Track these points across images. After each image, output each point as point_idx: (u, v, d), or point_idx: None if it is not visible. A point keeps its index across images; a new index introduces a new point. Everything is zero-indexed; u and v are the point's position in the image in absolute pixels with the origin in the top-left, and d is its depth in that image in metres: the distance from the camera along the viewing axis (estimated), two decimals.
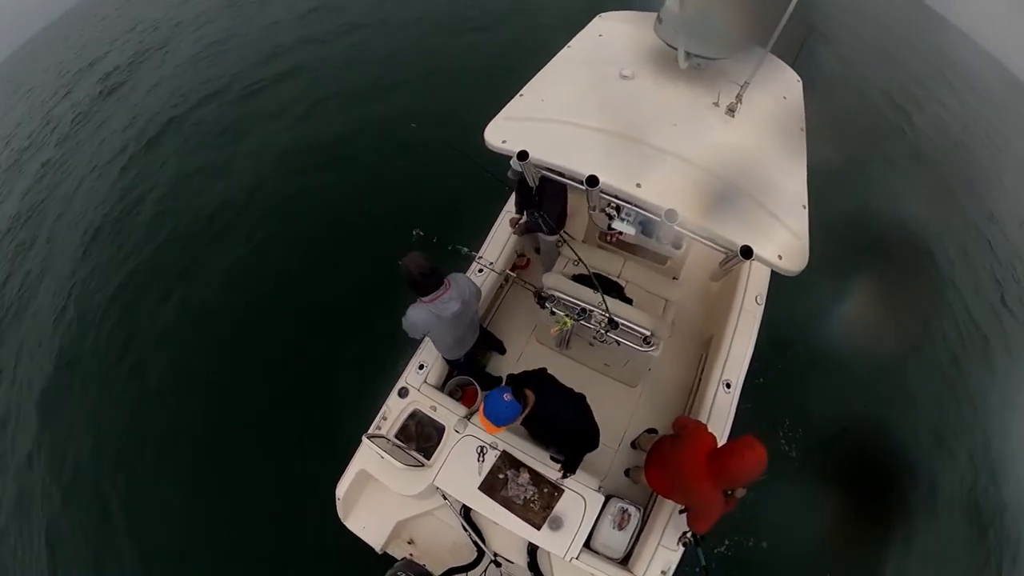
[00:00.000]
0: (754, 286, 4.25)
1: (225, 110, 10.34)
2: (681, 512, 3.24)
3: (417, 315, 3.30)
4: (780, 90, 3.90)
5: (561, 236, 4.06)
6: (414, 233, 3.55)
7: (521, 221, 4.34)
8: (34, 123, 12.75)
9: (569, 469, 3.29)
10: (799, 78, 4.13)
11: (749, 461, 2.53)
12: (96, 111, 11.97)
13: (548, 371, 3.30)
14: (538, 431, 3.26)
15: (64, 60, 15.79)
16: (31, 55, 18.77)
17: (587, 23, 4.13)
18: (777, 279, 4.12)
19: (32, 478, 5.69)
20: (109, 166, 9.85)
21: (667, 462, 3.17)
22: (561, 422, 3.04)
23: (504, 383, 3.18)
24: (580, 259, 3.70)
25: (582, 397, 3.24)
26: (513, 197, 4.50)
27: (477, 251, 4.24)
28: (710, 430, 3.23)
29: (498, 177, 4.28)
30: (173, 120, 10.37)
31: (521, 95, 3.45)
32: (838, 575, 4.79)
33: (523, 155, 3.00)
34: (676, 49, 3.41)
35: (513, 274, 4.39)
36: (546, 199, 3.90)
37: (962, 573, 5.14)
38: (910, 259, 7.41)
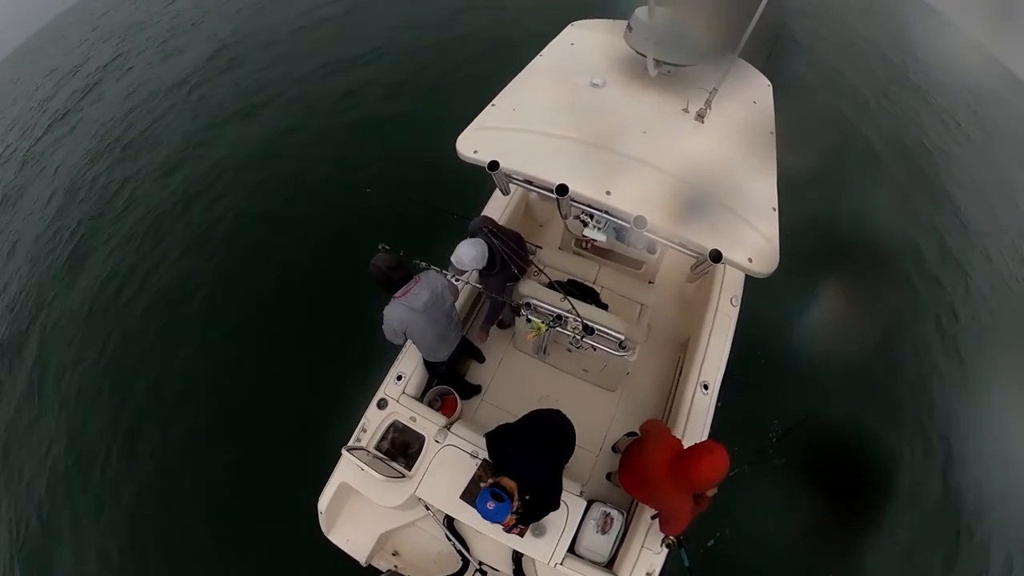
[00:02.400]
0: (729, 288, 4.31)
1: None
2: (653, 518, 3.27)
3: (392, 312, 3.34)
4: (750, 95, 3.96)
5: (534, 262, 4.06)
6: (380, 247, 3.54)
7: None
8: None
9: (523, 522, 3.02)
10: (769, 82, 4.19)
11: (708, 465, 2.52)
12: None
13: (505, 424, 3.15)
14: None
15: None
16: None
17: (559, 32, 4.18)
18: (752, 281, 4.18)
19: None
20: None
21: (635, 467, 3.17)
22: (528, 474, 2.86)
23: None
24: (544, 273, 3.77)
25: (556, 415, 3.21)
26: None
27: (446, 269, 4.23)
28: (685, 435, 3.26)
29: (462, 215, 4.25)
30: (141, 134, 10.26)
31: (493, 104, 3.48)
32: (818, 568, 4.86)
33: (494, 165, 3.02)
34: (646, 57, 3.46)
35: (485, 291, 4.41)
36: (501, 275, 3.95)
37: (935, 560, 5.25)
38: (879, 259, 7.53)
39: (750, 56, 3.88)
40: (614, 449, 4.26)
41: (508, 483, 2.72)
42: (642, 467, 3.01)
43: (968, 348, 6.99)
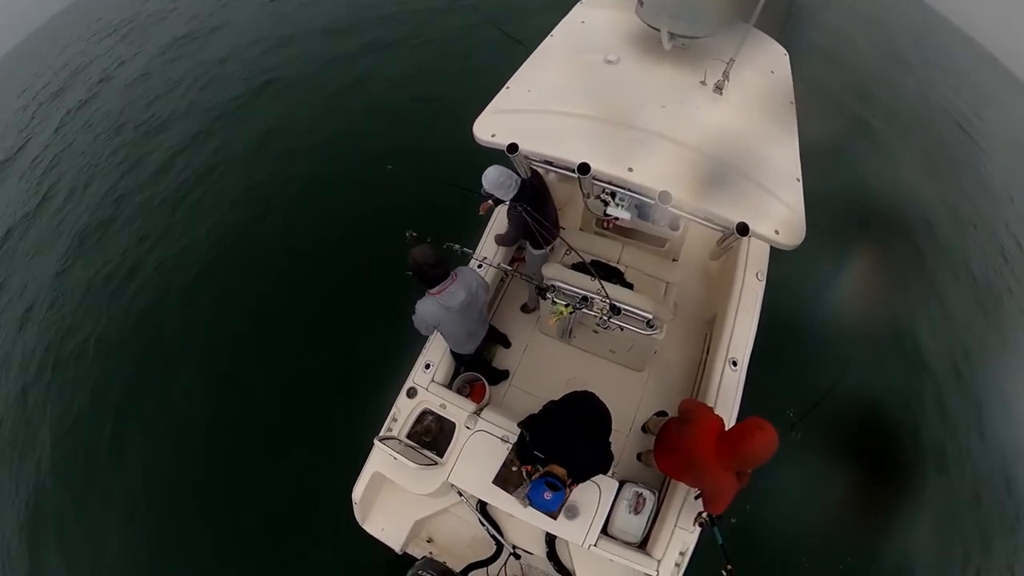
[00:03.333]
0: (754, 262, 4.23)
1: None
2: (696, 498, 3.25)
3: (425, 308, 3.31)
4: (767, 64, 3.89)
5: (561, 239, 3.97)
6: (408, 235, 3.54)
7: (504, 233, 4.24)
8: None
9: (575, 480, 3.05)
10: (785, 51, 4.12)
11: (760, 443, 2.49)
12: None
13: (536, 414, 3.13)
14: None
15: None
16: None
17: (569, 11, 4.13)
18: (777, 254, 4.11)
19: None
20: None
21: (676, 447, 3.14)
22: (579, 458, 2.85)
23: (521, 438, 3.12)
24: (574, 250, 3.69)
25: (590, 397, 3.18)
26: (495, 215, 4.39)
27: (473, 249, 4.23)
28: (716, 412, 3.23)
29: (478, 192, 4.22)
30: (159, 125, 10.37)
31: (507, 87, 3.46)
32: (848, 542, 4.82)
33: (513, 148, 3.00)
34: (659, 30, 3.40)
35: (512, 268, 4.39)
36: (539, 206, 3.76)
37: (968, 537, 5.17)
38: (905, 227, 7.40)
39: (764, 25, 3.80)
40: (644, 429, 4.25)
41: (559, 470, 2.70)
42: (685, 447, 2.98)
43: (1003, 316, 6.83)
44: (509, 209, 3.73)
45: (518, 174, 3.50)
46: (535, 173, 3.67)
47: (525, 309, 4.88)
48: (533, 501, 2.65)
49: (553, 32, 3.93)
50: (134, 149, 9.95)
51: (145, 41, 14.05)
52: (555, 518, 2.86)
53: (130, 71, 12.79)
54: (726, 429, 2.85)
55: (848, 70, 10.30)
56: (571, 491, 2.92)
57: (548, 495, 2.59)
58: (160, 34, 14.09)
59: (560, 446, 2.79)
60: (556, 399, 3.19)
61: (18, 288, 7.95)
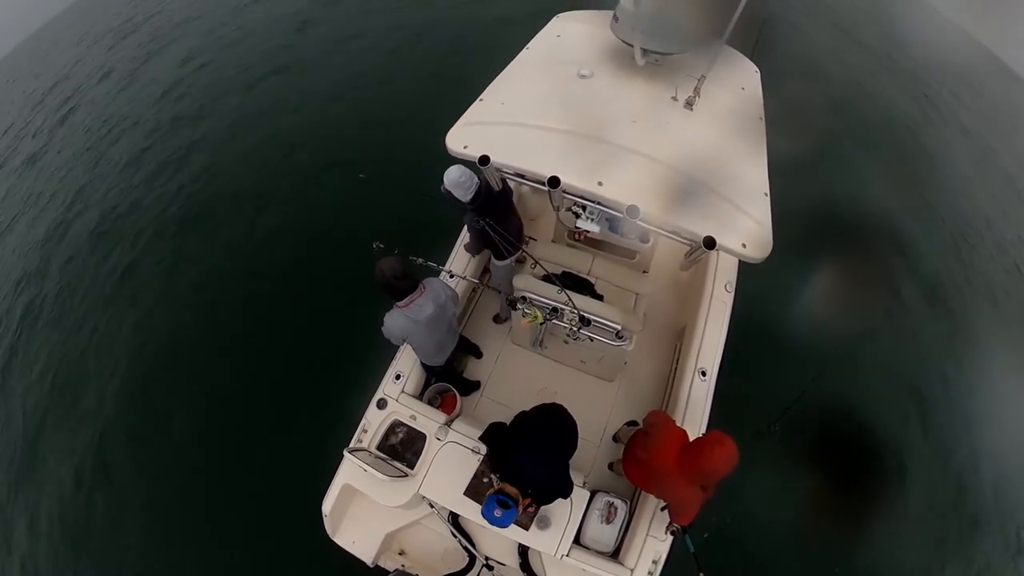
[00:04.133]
0: (723, 274, 4.31)
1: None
2: (662, 509, 3.28)
3: (393, 321, 3.28)
4: (738, 81, 3.97)
5: (523, 252, 4.00)
6: (375, 246, 3.51)
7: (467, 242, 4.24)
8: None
9: (537, 503, 3.05)
10: (757, 68, 4.21)
11: (719, 457, 2.50)
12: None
13: (502, 423, 3.14)
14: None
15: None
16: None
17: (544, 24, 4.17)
18: (746, 266, 4.18)
19: None
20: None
21: (641, 459, 3.17)
22: (534, 481, 2.83)
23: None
24: (538, 262, 3.71)
25: (558, 411, 3.16)
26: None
27: (443, 264, 4.22)
28: (684, 422, 3.26)
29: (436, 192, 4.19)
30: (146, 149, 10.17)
31: (481, 99, 3.47)
32: (822, 548, 4.90)
33: (484, 160, 3.01)
34: (633, 46, 3.46)
35: (482, 283, 4.40)
36: (499, 216, 3.77)
37: (940, 535, 5.30)
38: (872, 239, 7.59)
39: (737, 43, 3.90)
40: (615, 439, 4.28)
41: (511, 490, 2.71)
42: (649, 460, 3.00)
43: (965, 320, 7.08)
44: (469, 220, 3.74)
45: (489, 184, 3.51)
46: (504, 185, 3.69)
47: (498, 320, 4.89)
48: (484, 516, 2.68)
49: (528, 45, 3.96)
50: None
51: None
52: (507, 525, 2.80)
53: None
54: (689, 441, 2.87)
55: (820, 85, 10.51)
56: (529, 509, 2.97)
57: (498, 512, 2.62)
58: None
59: (513, 469, 2.79)
60: (527, 410, 3.19)
61: None
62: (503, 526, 2.71)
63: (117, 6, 16.69)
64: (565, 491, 3.01)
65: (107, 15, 16.57)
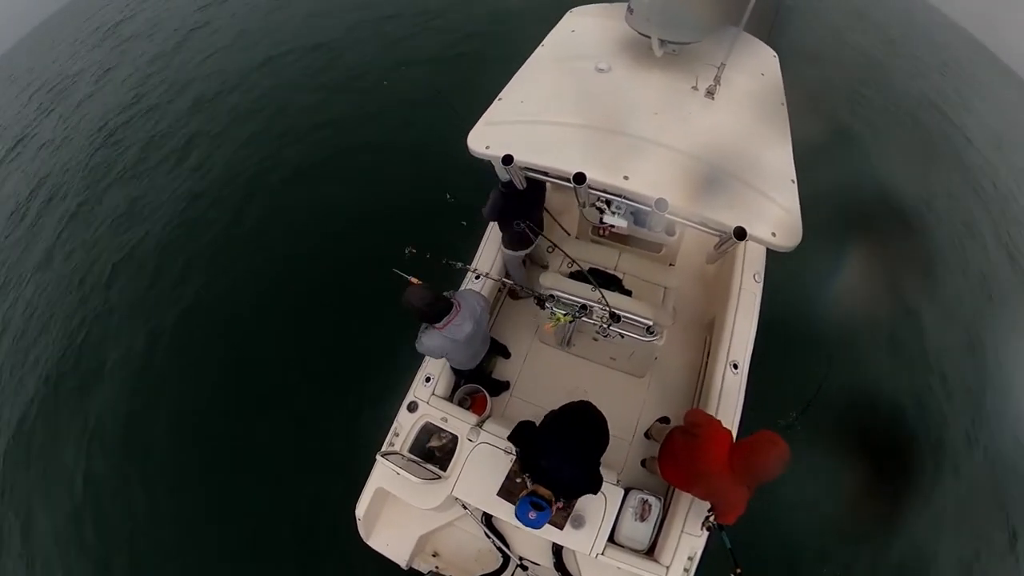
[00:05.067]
0: (751, 264, 4.24)
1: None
2: (709, 512, 3.23)
3: (432, 341, 3.25)
4: (757, 67, 3.91)
5: (546, 238, 3.99)
6: (407, 251, 3.52)
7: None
8: None
9: (568, 499, 3.11)
10: (775, 53, 4.14)
11: (774, 459, 2.49)
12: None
13: (531, 422, 3.11)
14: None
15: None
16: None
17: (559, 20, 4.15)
18: (773, 255, 4.12)
19: None
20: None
21: (682, 460, 3.12)
22: (560, 481, 2.83)
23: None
24: (571, 257, 3.70)
25: (586, 408, 3.11)
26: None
27: (470, 263, 4.22)
28: (719, 417, 3.21)
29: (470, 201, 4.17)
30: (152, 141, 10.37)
31: (500, 99, 3.46)
32: (856, 539, 4.83)
33: (508, 159, 3.00)
34: (650, 37, 3.42)
35: (509, 280, 4.39)
36: (527, 205, 3.83)
37: (984, 534, 5.17)
38: (901, 223, 7.46)
39: (753, 28, 3.83)
40: (647, 435, 4.24)
41: (545, 492, 2.70)
42: (694, 461, 2.95)
43: (1000, 302, 6.88)
44: (494, 194, 3.75)
45: (514, 184, 3.50)
46: (536, 182, 3.67)
47: (514, 295, 4.88)
48: (519, 518, 2.68)
49: (544, 42, 3.94)
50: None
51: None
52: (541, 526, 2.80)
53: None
54: (735, 441, 2.82)
55: (838, 68, 10.38)
56: (565, 510, 3.03)
57: (532, 515, 2.62)
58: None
59: (543, 471, 2.77)
60: (555, 409, 3.17)
61: None
62: (537, 527, 2.70)
63: None
64: (595, 488, 2.98)
65: None
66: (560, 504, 2.77)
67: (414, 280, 3.18)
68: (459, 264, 3.86)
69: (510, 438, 3.10)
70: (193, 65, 12.10)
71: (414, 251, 3.48)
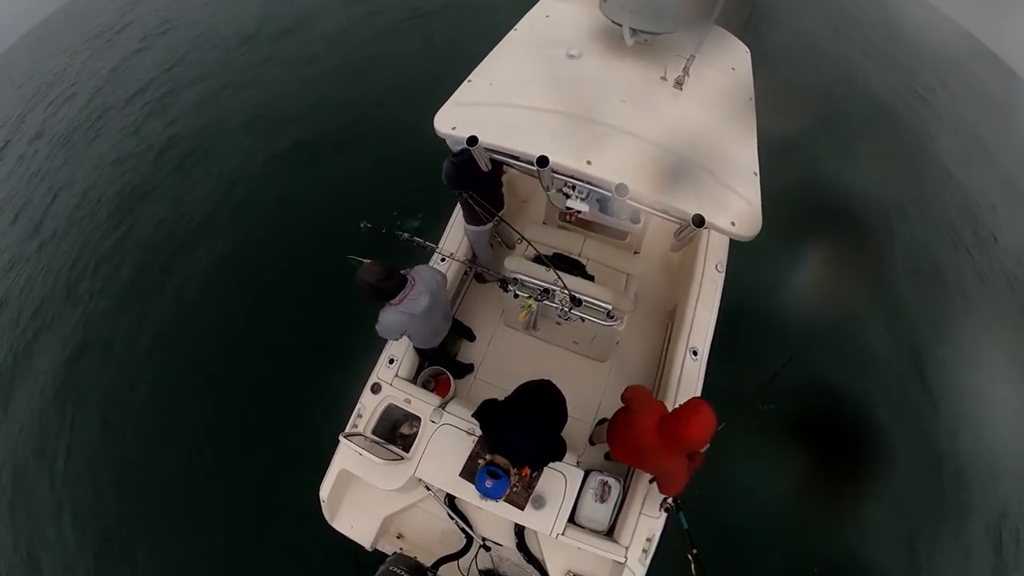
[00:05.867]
0: (714, 254, 4.32)
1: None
2: (651, 482, 3.32)
3: (389, 319, 3.22)
4: (728, 61, 3.97)
5: (500, 218, 4.00)
6: (361, 226, 3.46)
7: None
8: None
9: (533, 468, 3.26)
10: (747, 49, 4.20)
11: (697, 425, 2.54)
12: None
13: (494, 399, 3.19)
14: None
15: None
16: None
17: (533, 5, 4.14)
18: (736, 247, 4.20)
19: None
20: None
21: (622, 435, 3.18)
22: (521, 452, 2.94)
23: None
24: (526, 239, 3.69)
25: (545, 385, 3.19)
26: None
27: (436, 243, 4.21)
28: (671, 403, 3.28)
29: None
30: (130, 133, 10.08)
31: (469, 80, 3.46)
32: (811, 523, 4.98)
33: (473, 140, 3.00)
34: (622, 26, 3.44)
35: (474, 264, 4.40)
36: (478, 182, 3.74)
37: (925, 517, 5.39)
38: (864, 220, 7.66)
39: (728, 24, 3.89)
40: (591, 442, 4.27)
41: (502, 461, 2.81)
42: (630, 436, 3.01)
43: (950, 301, 7.18)
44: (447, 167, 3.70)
45: (479, 166, 3.50)
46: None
47: (480, 279, 4.88)
48: (477, 488, 2.78)
49: (517, 26, 3.93)
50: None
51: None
52: (497, 501, 2.94)
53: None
54: (668, 412, 2.87)
55: (811, 67, 10.54)
56: (525, 478, 3.18)
57: (489, 483, 2.72)
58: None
59: (503, 439, 2.90)
60: (519, 385, 3.23)
61: None
62: (495, 497, 2.78)
63: None
64: (560, 455, 3.15)
65: None
66: (525, 471, 2.89)
67: (367, 262, 3.13)
68: (420, 240, 3.82)
69: (475, 415, 3.16)
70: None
71: (369, 225, 3.43)
